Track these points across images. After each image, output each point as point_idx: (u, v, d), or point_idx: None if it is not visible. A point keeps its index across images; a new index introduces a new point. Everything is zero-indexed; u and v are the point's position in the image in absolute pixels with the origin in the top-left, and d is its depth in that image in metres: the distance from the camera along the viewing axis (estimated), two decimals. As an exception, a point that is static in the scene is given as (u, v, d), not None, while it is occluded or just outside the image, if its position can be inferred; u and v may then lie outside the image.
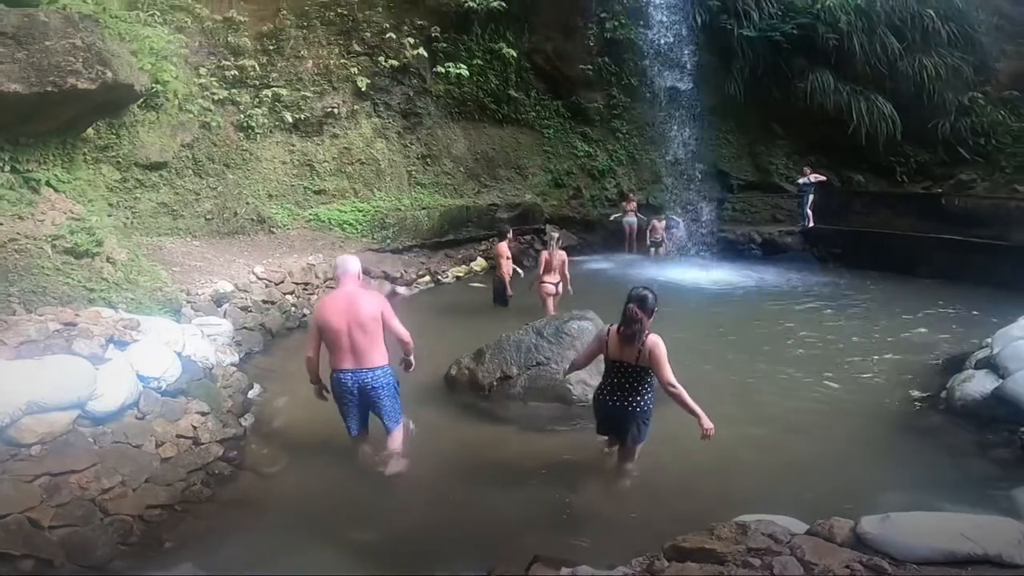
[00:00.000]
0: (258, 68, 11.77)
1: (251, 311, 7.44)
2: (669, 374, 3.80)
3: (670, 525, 3.05)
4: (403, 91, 13.70)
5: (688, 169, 15.64)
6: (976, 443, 4.55)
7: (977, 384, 4.98)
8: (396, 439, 4.45)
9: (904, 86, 14.08)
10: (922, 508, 2.93)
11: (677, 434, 4.66)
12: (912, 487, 3.80)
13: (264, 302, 7.86)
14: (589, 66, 15.53)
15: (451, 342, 6.31)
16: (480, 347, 5.91)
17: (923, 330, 7.92)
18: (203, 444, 4.42)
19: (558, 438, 5.00)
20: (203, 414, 4.62)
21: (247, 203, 11.00)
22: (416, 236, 12.50)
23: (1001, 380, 4.75)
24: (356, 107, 13.02)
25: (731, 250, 14.12)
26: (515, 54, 14.72)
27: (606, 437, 4.42)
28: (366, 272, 4.97)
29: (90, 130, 8.19)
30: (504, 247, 9.09)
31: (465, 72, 13.92)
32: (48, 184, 6.22)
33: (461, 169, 14.52)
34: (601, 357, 4.17)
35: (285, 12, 12.32)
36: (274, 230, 11.03)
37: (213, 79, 11.18)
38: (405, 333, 4.40)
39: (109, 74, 5.46)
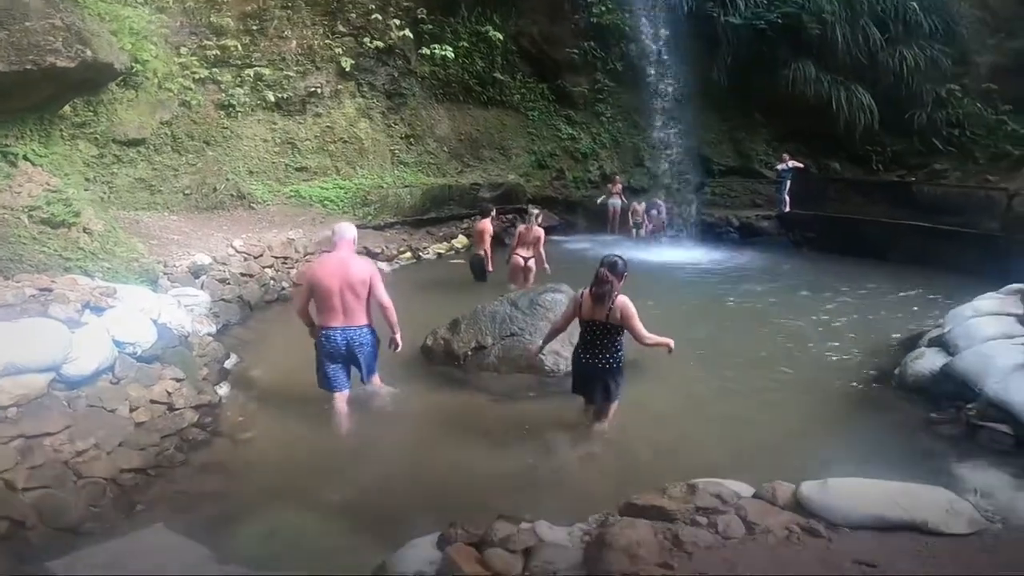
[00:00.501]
0: (240, 48, 11.68)
1: (229, 283, 7.50)
2: (640, 328, 4.16)
3: (630, 488, 3.16)
4: (388, 72, 13.66)
5: (670, 154, 15.79)
6: (924, 419, 4.66)
7: (927, 362, 5.09)
8: (375, 382, 4.89)
9: (884, 77, 14.27)
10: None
11: (644, 403, 4.86)
12: (860, 460, 3.87)
13: (243, 275, 7.91)
14: (575, 50, 15.55)
15: (429, 315, 6.41)
16: (455, 318, 6.02)
17: (888, 312, 8.15)
18: (178, 410, 4.47)
19: (529, 406, 5.13)
20: (178, 380, 4.68)
21: (227, 179, 10.99)
22: (398, 213, 12.57)
23: (950, 358, 4.86)
24: (340, 87, 12.97)
25: (710, 233, 14.41)
26: (501, 37, 14.72)
27: (582, 398, 4.66)
28: None
29: (67, 107, 8.28)
30: (487, 224, 9.18)
31: (451, 54, 13.89)
32: (25, 158, 6.26)
33: (444, 149, 14.55)
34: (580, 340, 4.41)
35: (269, -8, 12.20)
36: (254, 206, 11.03)
37: (194, 58, 11.12)
38: (388, 300, 4.68)
39: (88, 53, 5.49)
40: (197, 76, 11.03)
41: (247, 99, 11.63)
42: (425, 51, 13.81)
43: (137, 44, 9.31)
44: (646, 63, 15.63)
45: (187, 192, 10.44)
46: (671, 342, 4.26)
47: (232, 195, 10.91)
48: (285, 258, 9.10)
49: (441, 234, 12.96)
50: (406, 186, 13.14)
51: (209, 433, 4.52)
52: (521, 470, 4.13)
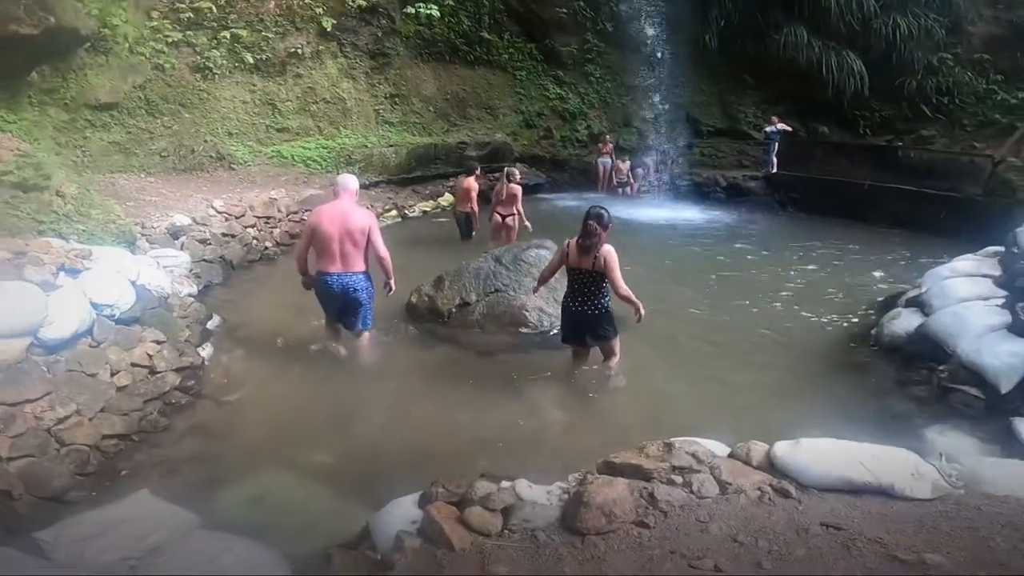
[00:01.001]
0: (215, 10, 11.27)
1: (210, 244, 7.39)
2: (619, 277, 4.39)
3: (613, 446, 3.18)
4: (371, 32, 13.29)
5: (658, 114, 15.73)
6: (897, 380, 4.64)
7: (903, 322, 5.04)
8: (365, 338, 5.10)
9: (876, 44, 14.18)
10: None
11: (629, 365, 4.90)
12: (834, 420, 3.92)
13: (224, 235, 7.80)
14: (564, 9, 15.27)
15: (415, 272, 6.36)
16: (440, 275, 5.99)
17: (869, 272, 8.25)
18: (159, 373, 4.41)
19: (514, 362, 5.15)
20: (159, 343, 4.61)
21: (205, 141, 10.77)
22: (383, 172, 12.46)
23: (925, 318, 4.81)
24: (321, 47, 12.62)
25: (696, 192, 14.52)
26: (489, -6, 14.33)
27: (570, 352, 4.83)
28: None
29: (34, 74, 8.18)
30: (471, 182, 9.12)
31: (436, 13, 13.52)
32: (-7, 125, 6.08)
33: (430, 108, 14.32)
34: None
35: (245, -49, 11.71)
36: (234, 167, 10.84)
37: (166, 22, 10.76)
38: (385, 250, 4.89)
39: (52, 19, 5.34)
40: (170, 40, 10.72)
41: (224, 61, 11.31)
42: (410, 10, 13.42)
43: (105, 9, 9.21)
44: (637, 24, 15.38)
45: (164, 154, 10.23)
46: (642, 307, 4.44)
47: (211, 156, 10.69)
48: (268, 218, 8.98)
49: (427, 192, 12.92)
50: (391, 145, 12.97)
51: (192, 396, 4.47)
52: (507, 427, 4.17)
